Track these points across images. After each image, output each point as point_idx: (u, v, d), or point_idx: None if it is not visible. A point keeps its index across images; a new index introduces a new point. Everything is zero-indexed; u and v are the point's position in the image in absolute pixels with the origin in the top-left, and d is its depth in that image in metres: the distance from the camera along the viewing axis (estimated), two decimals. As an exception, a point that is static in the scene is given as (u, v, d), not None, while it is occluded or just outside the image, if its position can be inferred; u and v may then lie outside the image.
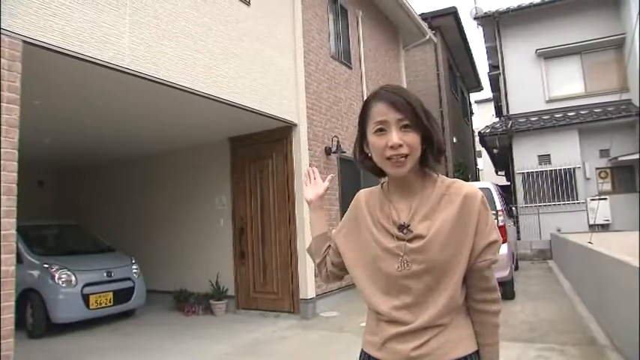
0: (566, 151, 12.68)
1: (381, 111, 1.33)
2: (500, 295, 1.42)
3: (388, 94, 1.34)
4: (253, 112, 6.32)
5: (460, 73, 19.99)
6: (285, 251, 7.03)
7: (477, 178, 21.45)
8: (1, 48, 3.50)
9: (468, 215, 1.32)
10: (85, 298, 6.53)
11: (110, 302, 6.86)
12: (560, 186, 12.90)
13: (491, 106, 28.06)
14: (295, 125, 7.12)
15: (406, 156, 1.31)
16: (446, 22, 15.59)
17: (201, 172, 8.15)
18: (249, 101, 6.15)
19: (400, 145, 1.29)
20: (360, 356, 1.45)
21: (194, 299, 7.64)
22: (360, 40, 9.89)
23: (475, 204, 1.33)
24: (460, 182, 1.40)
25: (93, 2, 4.20)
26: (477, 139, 24.29)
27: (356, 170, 8.98)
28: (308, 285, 6.83)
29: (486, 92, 25.42)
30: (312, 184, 1.72)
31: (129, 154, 8.81)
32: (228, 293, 7.56)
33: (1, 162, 3.46)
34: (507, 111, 14.42)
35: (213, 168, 7.98)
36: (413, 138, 1.31)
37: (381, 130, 1.32)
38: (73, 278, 6.50)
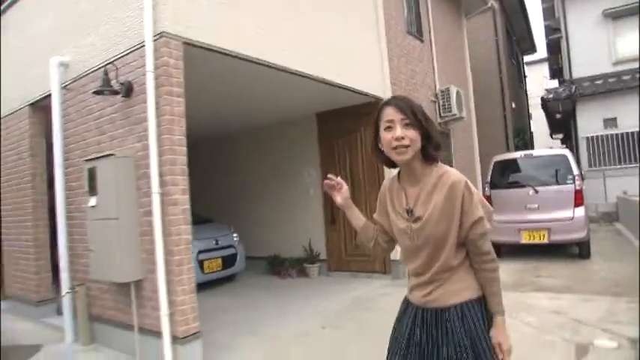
0: (634, 114, 12.65)
1: (389, 113, 1.81)
2: (495, 256, 1.85)
3: (396, 101, 1.83)
4: (346, 88, 6.79)
5: (516, 37, 19.77)
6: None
7: (531, 143, 21.32)
8: (169, 50, 4.14)
9: (455, 199, 1.78)
10: (200, 264, 7.33)
11: (219, 267, 7.66)
12: (627, 149, 12.92)
13: (541, 68, 27.57)
14: (382, 100, 7.59)
15: (407, 147, 1.78)
16: (505, -14, 15.49)
17: (291, 145, 8.78)
18: (341, 79, 6.58)
19: (402, 138, 1.77)
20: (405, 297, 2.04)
21: (288, 263, 8.38)
22: (429, 13, 10.16)
23: (459, 190, 1.78)
24: (449, 173, 1.83)
25: (229, 5, 4.77)
26: (530, 102, 24.12)
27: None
28: (398, 247, 7.41)
29: (538, 53, 25.02)
30: (337, 190, 2.08)
31: (224, 130, 9.48)
32: (320, 257, 8.27)
33: (176, 147, 4.14)
34: (570, 75, 14.35)
35: (301, 141, 8.59)
36: (412, 133, 1.78)
37: (389, 127, 1.80)
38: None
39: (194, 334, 4.10)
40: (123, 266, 4.17)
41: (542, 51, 24.13)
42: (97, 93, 4.37)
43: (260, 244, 9.01)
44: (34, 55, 6.10)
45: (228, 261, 7.87)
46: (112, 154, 4.22)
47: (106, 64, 4.56)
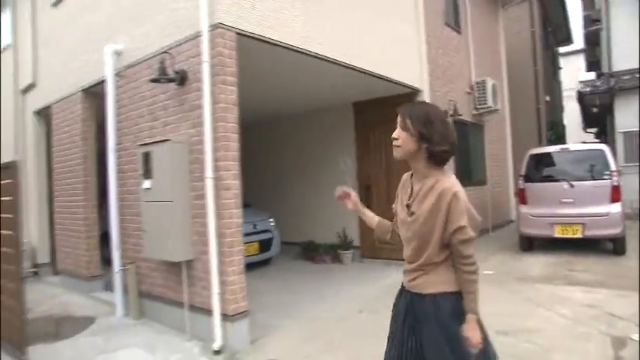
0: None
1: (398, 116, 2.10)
2: (474, 260, 2.03)
3: (404, 107, 2.11)
4: (384, 79, 6.87)
5: (552, 27, 19.40)
6: (409, 207, 7.75)
7: (563, 136, 20.90)
8: (224, 40, 4.31)
9: (441, 205, 1.99)
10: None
11: (256, 251, 7.89)
12: (667, 145, 12.67)
13: (576, 59, 26.94)
14: (420, 91, 7.69)
15: (399, 146, 2.08)
16: (543, -24, 15.21)
17: (327, 133, 8.94)
18: (380, 69, 6.64)
19: (396, 139, 2.08)
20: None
21: (323, 249, 8.59)
22: (467, 4, 10.13)
23: (447, 198, 1.98)
24: (443, 180, 2.02)
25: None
26: (563, 94, 23.69)
27: (466, 131, 9.48)
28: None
29: (573, 44, 24.42)
30: (347, 199, 2.46)
31: (260, 117, 9.65)
32: (354, 244, 8.44)
33: (229, 134, 4.34)
34: (609, 68, 14.08)
35: (338, 130, 8.74)
36: (404, 136, 2.05)
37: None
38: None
39: (242, 312, 4.32)
40: (176, 246, 4.41)
41: (578, 42, 23.62)
42: (153, 81, 4.59)
43: (295, 230, 9.22)
44: (87, 43, 6.38)
45: (265, 245, 8.09)
46: (167, 140, 4.45)
47: (161, 53, 4.76)
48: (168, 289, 4.97)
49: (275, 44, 4.88)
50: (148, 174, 4.64)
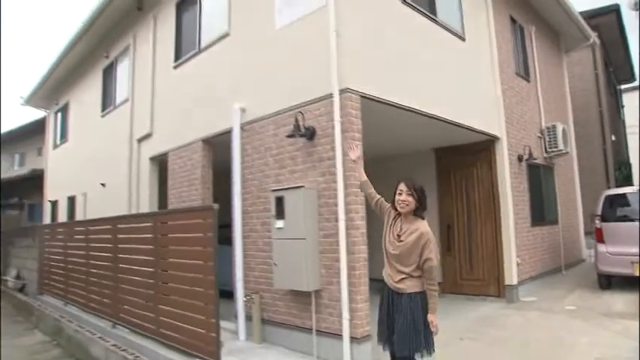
0: None
1: (402, 185, 3.50)
2: (435, 280, 3.42)
3: (405, 180, 3.51)
4: (468, 128, 7.54)
5: (613, 67, 19.60)
6: (491, 244, 8.29)
7: (630, 176, 20.17)
8: (352, 103, 5.15)
9: (419, 242, 3.38)
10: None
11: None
12: None
13: (636, 95, 26.59)
14: (498, 138, 8.31)
15: (407, 206, 3.44)
16: (606, 20, 15.59)
17: (409, 175, 9.58)
18: (463, 119, 7.33)
19: (404, 201, 3.44)
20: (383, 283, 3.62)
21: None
22: (534, 53, 10.75)
23: (424, 238, 3.37)
24: (424, 226, 3.44)
25: (393, 67, 5.76)
26: (627, 130, 23.46)
27: (538, 174, 9.93)
28: (512, 273, 8.02)
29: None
30: (354, 150, 4.12)
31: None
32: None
33: (357, 182, 5.10)
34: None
35: (419, 173, 9.37)
36: (410, 200, 3.45)
37: (399, 192, 3.49)
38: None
39: (367, 335, 4.97)
40: (308, 278, 5.15)
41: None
42: (289, 136, 5.47)
43: (379, 266, 9.78)
44: (207, 100, 7.44)
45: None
46: (301, 186, 5.27)
47: (290, 111, 5.68)
48: (292, 316, 5.69)
49: (388, 104, 5.72)
50: (280, 215, 5.45)
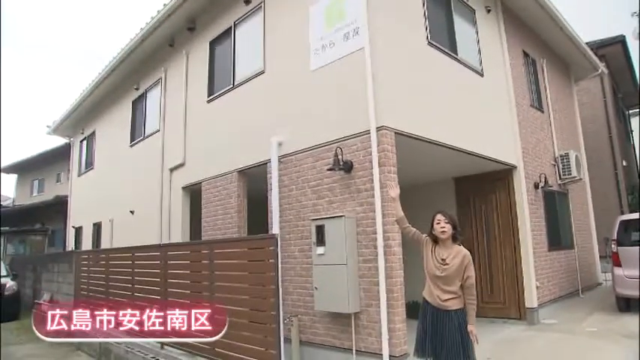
0: None
1: (439, 216, 4.09)
2: (475, 294, 3.95)
3: (441, 211, 4.13)
4: (487, 158, 7.99)
5: (621, 94, 20.09)
6: (511, 268, 8.65)
7: None
8: (387, 139, 5.64)
9: (463, 263, 3.93)
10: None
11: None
12: None
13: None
14: (515, 167, 8.76)
15: (446, 232, 3.99)
16: (612, 50, 16.14)
17: (429, 204, 9.96)
18: (482, 149, 7.78)
19: (443, 227, 4.01)
20: (422, 302, 4.18)
21: (427, 308, 9.46)
22: (546, 84, 11.26)
23: (466, 259, 3.93)
24: (463, 250, 3.99)
25: (420, 107, 6.28)
26: (638, 154, 23.80)
27: (554, 200, 10.32)
28: (532, 296, 8.35)
29: None
30: (394, 189, 4.64)
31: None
32: (457, 304, 9.28)
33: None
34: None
35: (438, 203, 9.75)
36: (449, 227, 4.01)
37: (438, 222, 4.05)
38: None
39: (404, 354, 5.36)
40: (350, 301, 5.56)
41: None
42: (330, 169, 5.96)
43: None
44: (242, 133, 7.95)
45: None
46: (342, 215, 5.73)
47: (328, 145, 6.19)
48: (331, 337, 6.08)
49: (415, 138, 6.21)
50: (321, 242, 5.89)
